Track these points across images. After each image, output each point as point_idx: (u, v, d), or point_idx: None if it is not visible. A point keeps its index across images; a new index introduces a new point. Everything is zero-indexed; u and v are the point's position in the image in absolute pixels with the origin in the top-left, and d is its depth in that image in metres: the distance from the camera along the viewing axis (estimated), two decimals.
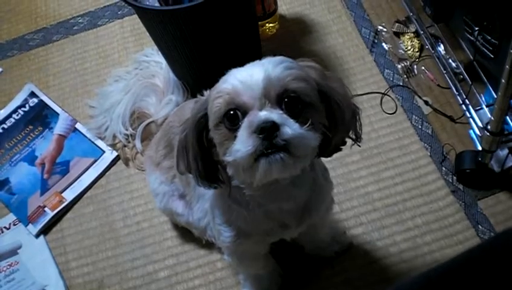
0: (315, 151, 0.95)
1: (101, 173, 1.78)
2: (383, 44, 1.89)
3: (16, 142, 1.89)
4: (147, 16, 1.59)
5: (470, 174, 1.56)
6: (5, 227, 1.73)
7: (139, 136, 1.73)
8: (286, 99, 0.90)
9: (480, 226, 1.52)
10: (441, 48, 1.79)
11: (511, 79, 1.26)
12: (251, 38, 1.76)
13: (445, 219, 1.54)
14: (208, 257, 1.58)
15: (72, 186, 1.77)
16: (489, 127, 1.42)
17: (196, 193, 1.37)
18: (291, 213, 1.11)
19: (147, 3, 1.63)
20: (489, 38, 1.47)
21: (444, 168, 1.62)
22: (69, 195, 1.75)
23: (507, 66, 1.24)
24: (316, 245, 1.50)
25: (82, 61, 2.06)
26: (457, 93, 1.65)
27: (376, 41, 1.91)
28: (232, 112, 0.91)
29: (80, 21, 2.17)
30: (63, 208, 1.73)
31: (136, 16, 1.87)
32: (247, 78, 0.90)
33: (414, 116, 1.72)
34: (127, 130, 1.76)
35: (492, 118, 1.40)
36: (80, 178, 1.78)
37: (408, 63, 1.84)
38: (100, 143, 1.83)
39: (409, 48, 1.86)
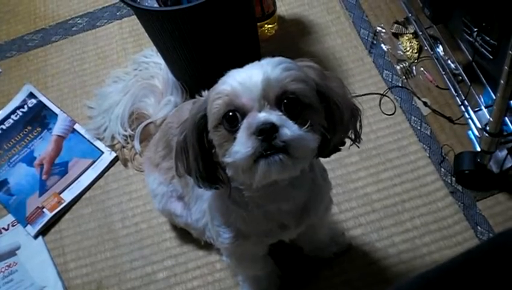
0: (314, 153, 0.94)
1: (99, 174, 1.78)
2: (382, 45, 1.90)
3: (15, 143, 1.89)
4: (146, 17, 1.59)
5: (469, 175, 1.56)
6: (3, 228, 1.73)
7: (138, 137, 1.73)
8: (285, 101, 0.90)
9: (479, 227, 1.52)
10: (440, 49, 1.79)
11: (510, 80, 1.27)
12: (250, 40, 1.76)
13: (444, 220, 1.54)
14: (207, 258, 1.58)
15: (70, 187, 1.77)
16: (488, 128, 1.42)
17: (194, 194, 1.37)
18: (290, 214, 1.11)
19: (146, 4, 1.63)
20: (488, 39, 1.47)
21: (442, 169, 1.62)
22: (67, 196, 1.75)
23: (506, 67, 1.24)
24: (314, 246, 1.50)
25: (81, 62, 2.06)
26: (456, 94, 1.65)
27: (375, 42, 1.91)
28: (231, 114, 0.91)
29: (78, 22, 2.17)
30: (62, 209, 1.73)
31: (135, 16, 1.87)
32: (246, 80, 0.90)
33: (413, 117, 1.72)
34: (125, 131, 1.76)
35: (491, 119, 1.40)
36: (79, 179, 1.78)
37: (407, 64, 1.84)
38: (99, 144, 1.83)
39: (408, 49, 1.86)
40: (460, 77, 1.69)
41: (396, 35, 1.91)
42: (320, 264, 1.52)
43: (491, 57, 1.48)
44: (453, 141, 1.67)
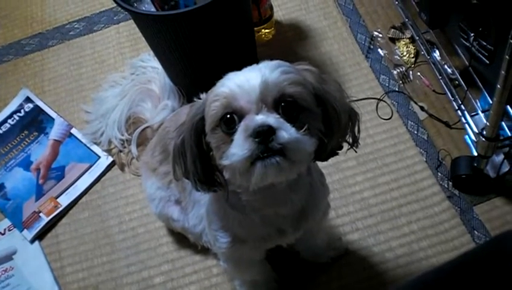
0: (311, 156, 0.94)
1: (96, 179, 1.78)
2: (379, 50, 1.90)
3: (11, 147, 1.88)
4: (143, 22, 1.59)
5: (466, 180, 1.56)
6: (0, 233, 1.73)
7: (135, 142, 1.72)
8: (283, 104, 0.90)
9: (476, 232, 1.52)
10: (437, 54, 1.79)
11: (507, 84, 1.27)
12: (247, 44, 1.76)
13: (441, 225, 1.54)
14: (204, 263, 1.58)
15: (67, 191, 1.76)
16: (484, 132, 1.42)
17: (192, 199, 1.37)
18: (288, 218, 1.11)
19: (143, 8, 1.63)
20: (485, 44, 1.47)
21: (439, 174, 1.63)
22: (64, 200, 1.74)
23: (502, 72, 1.24)
24: (311, 251, 1.50)
25: (78, 67, 2.06)
26: (452, 99, 1.65)
27: (372, 47, 1.91)
28: (228, 116, 0.91)
29: (75, 26, 2.17)
30: (58, 213, 1.72)
31: (132, 21, 1.87)
32: (244, 83, 0.90)
33: (410, 122, 1.73)
34: (122, 135, 1.76)
35: (487, 124, 1.40)
36: (75, 183, 1.78)
37: (404, 69, 1.84)
38: (96, 148, 1.83)
39: (405, 53, 1.87)
40: (457, 82, 1.69)
41: (393, 40, 1.91)
42: (318, 269, 1.52)
43: (488, 62, 1.49)
44: (449, 146, 1.67)
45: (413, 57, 1.86)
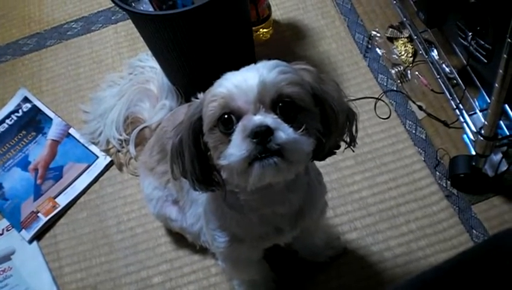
0: (309, 156, 0.94)
1: (94, 179, 1.78)
2: (377, 49, 1.90)
3: (9, 147, 1.88)
4: (141, 21, 1.59)
5: (464, 179, 1.56)
6: None
7: (133, 142, 1.72)
8: (281, 104, 0.90)
9: (474, 231, 1.52)
10: (435, 53, 1.79)
11: (505, 84, 1.27)
12: (245, 44, 1.76)
13: (440, 224, 1.54)
14: (202, 263, 1.58)
15: (65, 191, 1.76)
16: (483, 131, 1.42)
17: (189, 198, 1.37)
18: (286, 217, 1.11)
19: (141, 8, 1.63)
20: (483, 43, 1.47)
21: (438, 173, 1.63)
22: (62, 200, 1.74)
23: (500, 71, 1.24)
24: (310, 250, 1.50)
25: (76, 67, 2.05)
26: (450, 98, 1.65)
27: (370, 46, 1.91)
28: (226, 116, 0.91)
29: (73, 26, 2.17)
30: (57, 213, 1.72)
31: (130, 21, 1.87)
32: (242, 83, 0.90)
33: (408, 121, 1.73)
34: (120, 135, 1.76)
35: (485, 123, 1.40)
36: (74, 183, 1.78)
37: (402, 68, 1.84)
38: (94, 148, 1.83)
39: (403, 53, 1.87)
40: (455, 81, 1.69)
41: (391, 40, 1.91)
42: (316, 268, 1.52)
43: (486, 61, 1.49)
44: (448, 145, 1.67)
45: (411, 56, 1.86)
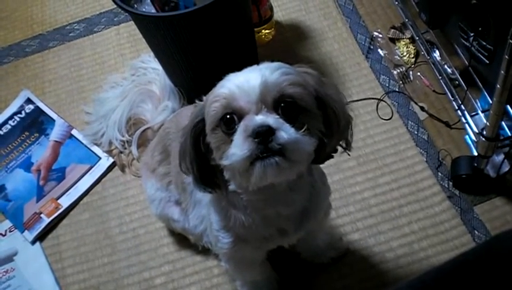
0: (311, 157, 0.95)
1: (97, 180, 1.78)
2: (379, 50, 1.90)
3: (12, 148, 1.88)
4: (143, 23, 1.59)
5: (466, 180, 1.56)
6: (1, 234, 1.73)
7: (135, 143, 1.73)
8: (282, 104, 0.90)
9: (476, 232, 1.52)
10: (437, 54, 1.79)
11: (506, 84, 1.27)
12: (247, 45, 1.76)
13: (442, 225, 1.54)
14: (205, 263, 1.58)
15: (68, 192, 1.77)
16: (484, 132, 1.42)
17: (193, 200, 1.37)
18: (290, 219, 1.11)
19: (143, 9, 1.63)
20: (485, 44, 1.47)
21: (440, 174, 1.63)
22: (65, 201, 1.75)
23: (502, 72, 1.24)
24: (312, 251, 1.50)
25: (78, 68, 2.06)
26: (452, 99, 1.65)
27: (372, 47, 1.91)
28: (228, 116, 0.91)
29: (76, 28, 2.18)
30: (59, 214, 1.72)
31: (132, 22, 1.87)
32: (244, 83, 0.90)
33: (410, 122, 1.73)
34: (123, 136, 1.76)
35: (487, 124, 1.40)
36: (76, 185, 1.78)
37: (404, 69, 1.84)
38: (96, 149, 1.83)
39: (405, 54, 1.87)
40: (457, 82, 1.69)
41: (393, 40, 1.91)
42: (318, 269, 1.52)
43: (488, 62, 1.49)
44: (450, 146, 1.67)
45: (413, 57, 1.86)
